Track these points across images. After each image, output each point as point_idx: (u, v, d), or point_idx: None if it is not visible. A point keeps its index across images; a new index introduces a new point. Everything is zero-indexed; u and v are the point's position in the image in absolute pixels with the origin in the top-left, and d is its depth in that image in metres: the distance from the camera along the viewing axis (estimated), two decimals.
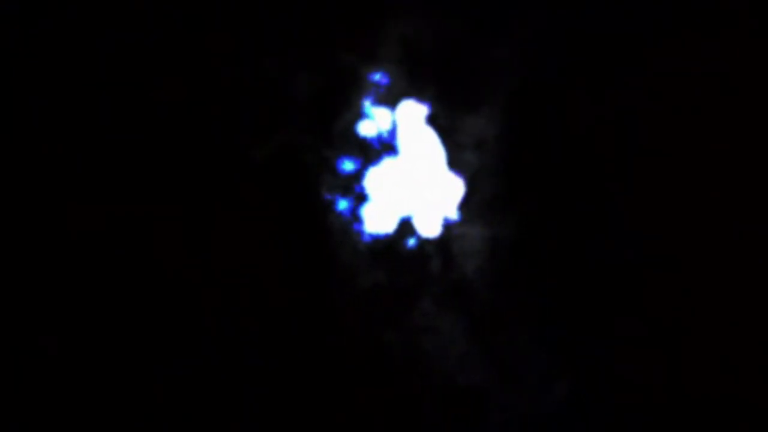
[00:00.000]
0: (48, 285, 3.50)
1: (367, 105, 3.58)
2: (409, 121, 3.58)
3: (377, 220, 3.60)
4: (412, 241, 3.59)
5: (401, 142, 3.60)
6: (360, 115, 3.59)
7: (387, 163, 3.61)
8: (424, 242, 3.59)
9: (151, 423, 3.45)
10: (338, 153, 3.59)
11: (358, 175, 3.60)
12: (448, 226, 3.60)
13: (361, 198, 3.60)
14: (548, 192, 3.56)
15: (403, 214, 3.61)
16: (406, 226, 3.60)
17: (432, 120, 3.58)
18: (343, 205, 3.59)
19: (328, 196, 3.59)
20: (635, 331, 3.53)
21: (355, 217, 3.59)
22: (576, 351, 3.51)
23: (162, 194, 3.55)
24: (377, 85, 3.58)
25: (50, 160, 3.52)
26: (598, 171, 3.57)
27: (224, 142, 3.58)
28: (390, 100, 3.59)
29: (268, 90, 3.59)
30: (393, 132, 3.60)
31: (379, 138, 3.60)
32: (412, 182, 3.61)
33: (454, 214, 3.60)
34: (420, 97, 3.58)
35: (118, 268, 3.50)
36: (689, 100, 3.59)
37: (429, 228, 3.60)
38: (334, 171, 3.60)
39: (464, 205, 3.60)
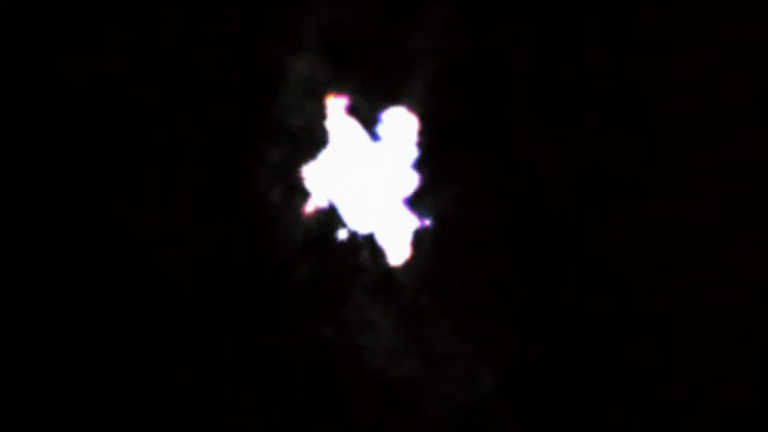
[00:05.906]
0: None
1: (292, 96, 3.56)
2: (334, 112, 3.55)
3: (306, 211, 3.58)
4: (341, 233, 3.58)
5: (327, 133, 3.58)
6: (285, 106, 3.57)
7: (314, 154, 3.59)
8: (353, 234, 3.58)
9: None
10: (266, 144, 3.58)
11: (286, 167, 3.59)
12: (376, 217, 3.58)
13: (291, 189, 3.59)
14: (474, 181, 3.53)
15: (332, 205, 3.59)
16: (335, 218, 3.59)
17: (356, 111, 3.55)
18: (272, 196, 3.58)
19: (257, 188, 3.58)
20: (563, 320, 3.51)
21: (285, 209, 3.58)
22: (504, 341, 3.50)
23: (91, 190, 3.57)
24: (301, 76, 3.55)
25: None
26: (526, 157, 3.53)
27: (152, 136, 3.58)
28: (314, 91, 3.56)
29: (194, 82, 3.58)
30: (319, 123, 3.57)
31: (306, 129, 3.58)
32: (339, 174, 3.59)
33: (382, 205, 3.58)
34: (343, 87, 3.55)
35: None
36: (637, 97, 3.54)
37: (357, 219, 3.58)
38: (263, 163, 3.58)
39: (391, 196, 3.58)
